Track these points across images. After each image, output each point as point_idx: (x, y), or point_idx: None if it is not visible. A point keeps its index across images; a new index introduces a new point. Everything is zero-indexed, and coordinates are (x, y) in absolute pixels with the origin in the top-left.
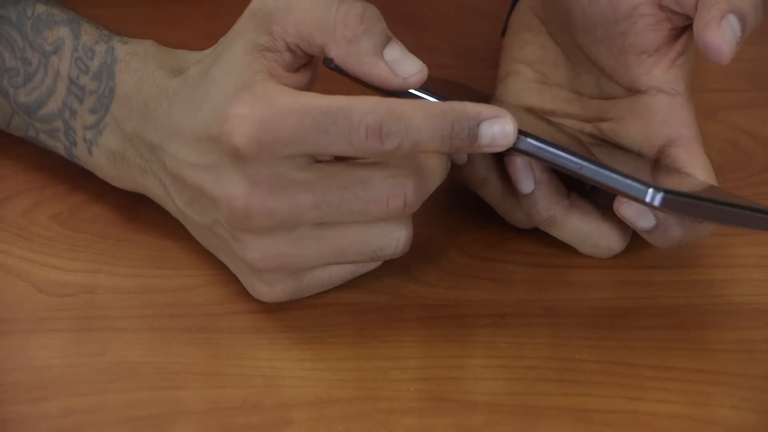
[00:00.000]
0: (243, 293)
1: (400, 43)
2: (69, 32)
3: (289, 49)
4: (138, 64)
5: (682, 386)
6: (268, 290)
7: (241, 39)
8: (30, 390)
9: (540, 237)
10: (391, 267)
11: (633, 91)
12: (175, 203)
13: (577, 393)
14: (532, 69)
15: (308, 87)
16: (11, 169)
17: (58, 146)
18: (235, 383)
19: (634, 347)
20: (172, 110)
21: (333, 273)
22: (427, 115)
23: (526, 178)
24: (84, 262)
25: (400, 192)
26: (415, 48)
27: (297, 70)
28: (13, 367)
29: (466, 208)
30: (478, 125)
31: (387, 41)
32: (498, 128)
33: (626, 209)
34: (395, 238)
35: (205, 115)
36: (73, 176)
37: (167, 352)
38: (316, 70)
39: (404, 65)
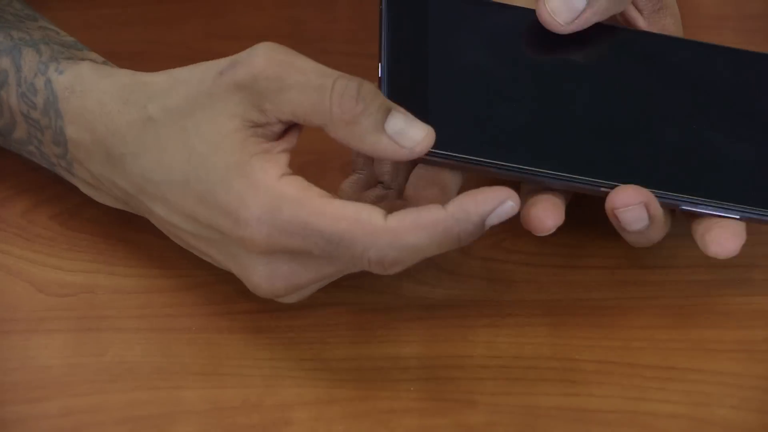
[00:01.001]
0: (243, 293)
1: (401, 110)
2: (11, 63)
3: (281, 122)
4: (79, 104)
5: (682, 386)
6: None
7: (224, 109)
8: (30, 390)
9: (540, 237)
10: None
11: None
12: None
13: (577, 393)
14: None
15: (295, 141)
16: (11, 169)
17: (42, 164)
18: (235, 383)
19: (634, 347)
20: (141, 165)
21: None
22: (432, 236)
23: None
24: (84, 262)
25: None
26: None
27: (286, 130)
28: (13, 367)
29: None
30: (483, 222)
31: (387, 114)
32: (503, 212)
33: (624, 213)
34: None
35: (200, 198)
36: None
37: (167, 352)
38: (300, 128)
39: (409, 135)
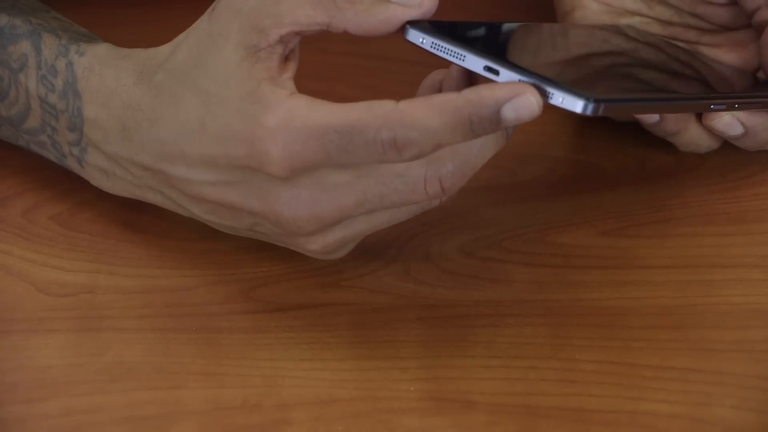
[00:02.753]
0: (243, 293)
1: None
2: (31, 47)
3: (281, 41)
4: (97, 82)
5: (682, 386)
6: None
7: (226, 43)
8: (30, 390)
9: (540, 237)
10: (391, 267)
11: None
12: (191, 211)
13: (577, 393)
14: (597, 1)
15: (296, 67)
16: (11, 169)
17: (50, 156)
18: (235, 383)
19: (634, 347)
20: (159, 131)
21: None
22: (442, 114)
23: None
24: (84, 262)
25: (435, 176)
26: (414, 47)
27: (286, 57)
28: (13, 367)
29: (466, 208)
30: (498, 111)
31: None
32: (520, 105)
33: (717, 123)
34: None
35: (216, 136)
36: (73, 176)
37: (167, 352)
38: (298, 51)
39: None
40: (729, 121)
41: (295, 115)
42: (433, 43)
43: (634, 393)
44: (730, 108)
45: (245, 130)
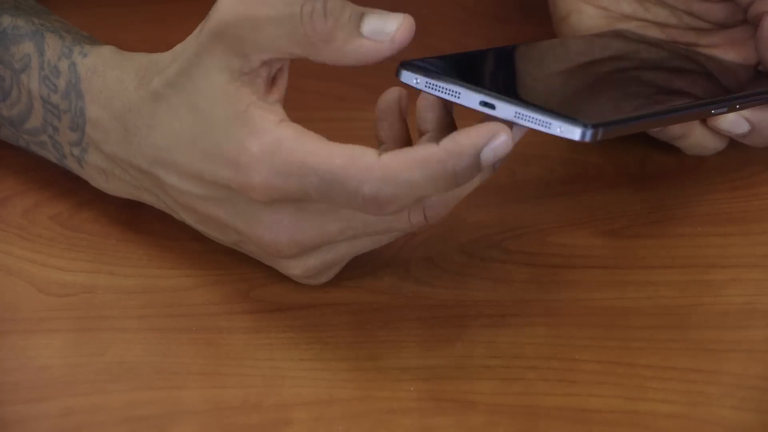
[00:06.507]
0: (243, 293)
1: (375, 11)
2: (33, 47)
3: (264, 65)
4: (100, 84)
5: (682, 386)
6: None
7: (212, 64)
8: (30, 390)
9: (540, 237)
10: (391, 267)
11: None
12: (182, 217)
13: (577, 393)
14: (593, 6)
15: (285, 88)
16: (11, 169)
17: (50, 156)
18: (235, 383)
19: (634, 347)
20: (155, 136)
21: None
22: (424, 168)
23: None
24: (84, 262)
25: (419, 206)
26: (415, 48)
27: (274, 78)
28: (13, 367)
29: (466, 208)
30: (478, 156)
31: (360, 19)
32: (497, 146)
33: (722, 123)
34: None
35: (206, 153)
36: (73, 176)
37: (167, 352)
38: (287, 71)
39: (385, 30)
40: (734, 120)
41: (280, 147)
42: (426, 83)
43: (634, 393)
44: (731, 110)
45: (231, 152)
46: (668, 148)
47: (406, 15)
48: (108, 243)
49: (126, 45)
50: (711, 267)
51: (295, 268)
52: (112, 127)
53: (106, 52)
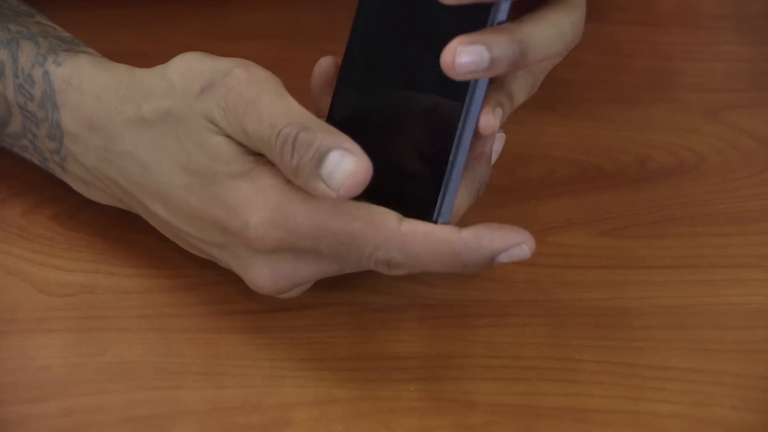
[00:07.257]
0: (243, 293)
1: (336, 151)
2: (8, 55)
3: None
4: (77, 99)
5: (682, 386)
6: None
7: (207, 126)
8: (30, 390)
9: (540, 237)
10: None
11: None
12: (167, 236)
13: (577, 393)
14: None
15: None
16: (11, 169)
17: (33, 159)
18: (235, 383)
19: (634, 347)
20: (140, 165)
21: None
22: (439, 254)
23: None
24: (84, 262)
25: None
26: None
27: None
28: (13, 367)
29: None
30: (493, 259)
31: (321, 162)
32: (515, 253)
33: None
34: None
35: (202, 201)
36: None
37: (167, 352)
38: None
39: (335, 177)
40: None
41: (294, 211)
42: None
43: (634, 393)
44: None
45: (239, 207)
46: (668, 148)
47: (356, 167)
48: (108, 243)
49: (126, 45)
50: (711, 267)
51: (282, 297)
52: (92, 145)
53: (83, 61)
